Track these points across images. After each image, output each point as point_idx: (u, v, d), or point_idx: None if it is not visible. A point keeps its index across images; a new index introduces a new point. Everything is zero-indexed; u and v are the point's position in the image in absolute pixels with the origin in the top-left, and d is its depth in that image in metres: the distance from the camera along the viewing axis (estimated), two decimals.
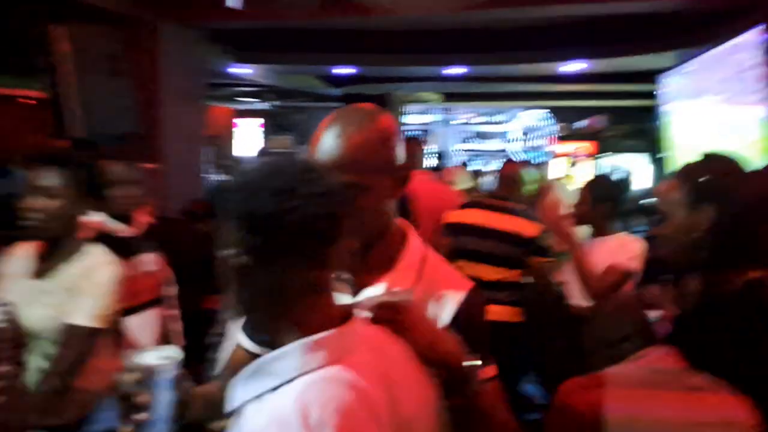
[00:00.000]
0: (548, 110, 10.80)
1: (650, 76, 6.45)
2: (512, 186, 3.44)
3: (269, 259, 0.90)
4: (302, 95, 9.19)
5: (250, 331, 1.29)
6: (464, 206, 3.51)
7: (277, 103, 10.30)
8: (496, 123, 11.45)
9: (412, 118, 11.24)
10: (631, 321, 1.70)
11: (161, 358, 1.08)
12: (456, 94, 9.16)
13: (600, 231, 2.92)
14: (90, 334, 1.82)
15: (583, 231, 3.15)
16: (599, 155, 9.57)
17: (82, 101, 3.98)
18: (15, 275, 1.95)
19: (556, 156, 10.07)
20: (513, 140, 11.29)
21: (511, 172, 3.50)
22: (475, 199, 3.75)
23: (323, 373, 0.88)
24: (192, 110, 5.07)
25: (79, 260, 1.90)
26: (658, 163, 7.76)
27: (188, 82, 5.00)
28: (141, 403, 1.04)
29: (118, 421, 1.05)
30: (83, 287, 1.86)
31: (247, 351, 1.35)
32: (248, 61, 6.52)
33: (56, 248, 1.93)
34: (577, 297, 2.88)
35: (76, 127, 4.01)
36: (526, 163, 3.80)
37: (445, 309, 1.20)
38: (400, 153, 1.22)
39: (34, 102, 9.70)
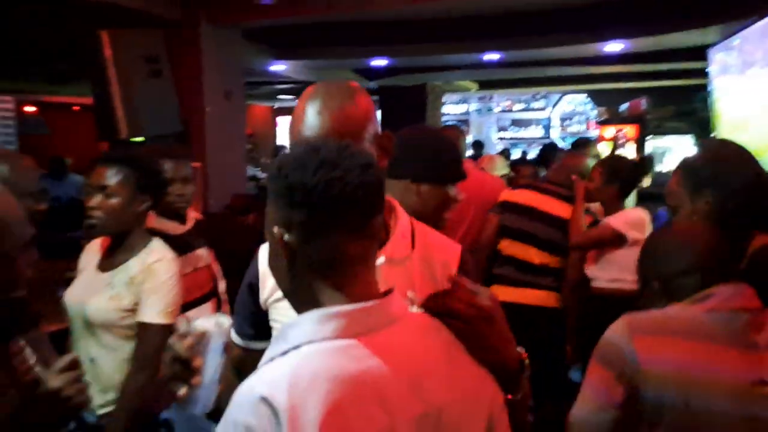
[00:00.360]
0: (587, 94, 10.60)
1: (694, 53, 6.25)
2: (570, 175, 3.36)
3: (315, 232, 0.91)
4: None
5: (237, 326, 1.37)
6: (519, 187, 3.51)
7: None
8: (534, 109, 11.31)
9: (450, 108, 11.19)
10: (694, 251, 1.39)
11: (213, 324, 1.11)
12: (493, 82, 9.07)
13: (609, 209, 2.99)
14: (163, 330, 1.89)
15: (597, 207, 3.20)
16: (642, 138, 9.35)
17: (127, 104, 4.08)
18: (86, 269, 2.07)
19: (597, 141, 9.89)
20: (552, 126, 11.14)
21: (574, 164, 3.43)
22: (531, 182, 3.75)
23: (331, 343, 0.88)
24: (233, 109, 5.15)
25: (142, 255, 1.99)
26: None
27: (228, 81, 5.09)
28: (194, 367, 1.08)
29: (171, 384, 1.09)
30: (146, 283, 1.95)
31: (237, 345, 1.42)
32: (285, 58, 6.58)
33: (121, 243, 2.02)
34: (601, 279, 2.96)
35: (123, 129, 4.11)
36: (584, 147, 3.72)
37: (443, 271, 1.24)
38: (378, 125, 1.27)
39: (83, 108, 10.02)
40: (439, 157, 1.67)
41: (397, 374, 0.89)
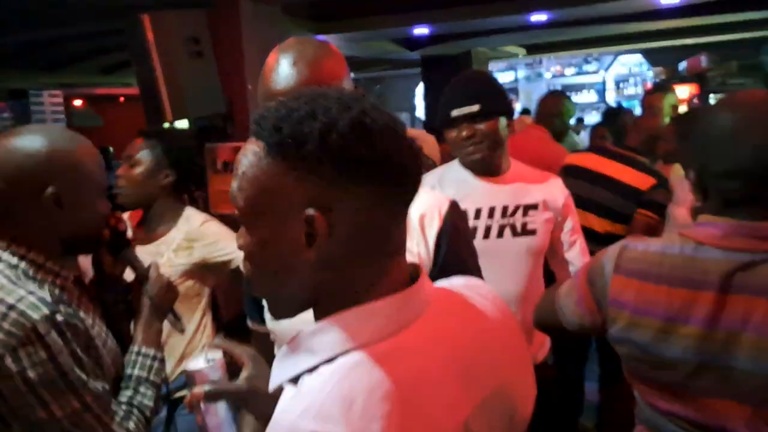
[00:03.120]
0: (642, 54, 10.14)
1: (757, 1, 5.86)
2: (649, 141, 3.18)
3: (368, 209, 0.75)
4: (382, 62, 9.10)
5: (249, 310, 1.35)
6: (586, 150, 3.44)
7: (360, 74, 10.29)
8: (587, 73, 10.90)
9: (497, 76, 10.91)
10: (745, 151, 1.13)
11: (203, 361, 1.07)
12: (541, 45, 8.75)
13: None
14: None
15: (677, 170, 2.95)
16: (705, 97, 8.89)
17: (171, 87, 4.08)
18: None
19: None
20: (606, 90, 10.73)
21: (650, 126, 3.26)
22: (600, 146, 3.62)
23: (373, 349, 0.73)
24: None
25: (181, 224, 2.09)
26: None
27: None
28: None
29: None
30: (203, 240, 2.07)
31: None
32: (324, 32, 6.49)
33: (149, 216, 2.10)
34: None
35: (169, 112, 4.12)
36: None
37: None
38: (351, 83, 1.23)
39: (128, 98, 10.23)
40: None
41: (448, 366, 0.78)
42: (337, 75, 1.18)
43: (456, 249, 1.23)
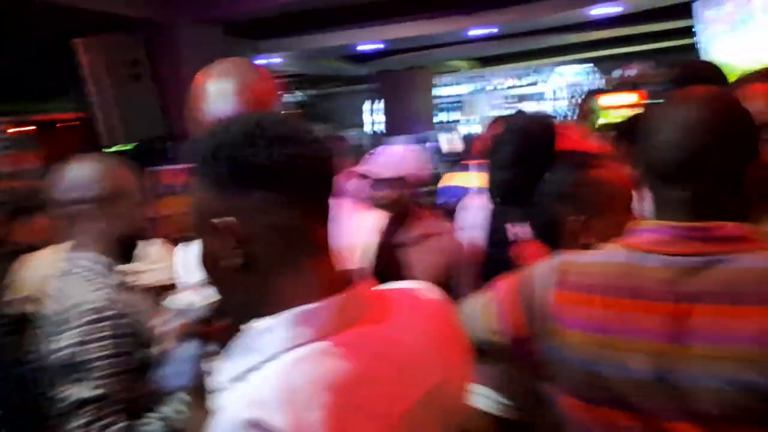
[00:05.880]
0: (589, 63, 10.38)
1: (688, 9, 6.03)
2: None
3: (275, 218, 0.80)
4: (331, 80, 9.08)
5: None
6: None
7: (310, 92, 10.24)
8: (534, 84, 11.07)
9: (446, 90, 11.00)
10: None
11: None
12: (488, 58, 8.87)
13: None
14: None
15: None
16: (650, 103, 9.10)
17: (106, 112, 3.97)
18: None
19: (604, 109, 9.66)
20: (555, 99, 10.91)
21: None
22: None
23: (312, 348, 0.77)
24: None
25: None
26: None
27: None
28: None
29: None
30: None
31: None
32: (268, 51, 6.42)
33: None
34: None
35: (108, 137, 4.00)
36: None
37: (358, 251, 1.27)
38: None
39: (71, 122, 9.96)
40: None
41: (387, 364, 0.82)
42: (267, 95, 1.19)
43: (382, 266, 1.21)
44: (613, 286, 1.09)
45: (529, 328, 1.17)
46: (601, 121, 3.33)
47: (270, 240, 0.80)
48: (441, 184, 3.97)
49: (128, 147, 4.27)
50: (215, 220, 0.80)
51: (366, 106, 9.33)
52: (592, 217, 1.40)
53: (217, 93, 1.16)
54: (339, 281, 0.84)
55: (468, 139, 6.96)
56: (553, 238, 1.47)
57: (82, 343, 1.44)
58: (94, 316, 1.46)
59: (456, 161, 4.13)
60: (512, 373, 1.31)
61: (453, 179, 3.86)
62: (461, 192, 3.48)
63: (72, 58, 3.98)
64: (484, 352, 1.21)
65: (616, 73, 9.25)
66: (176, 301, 1.07)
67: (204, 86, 1.18)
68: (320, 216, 0.84)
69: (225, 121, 0.84)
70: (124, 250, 1.71)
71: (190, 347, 1.07)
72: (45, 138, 10.24)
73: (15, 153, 3.36)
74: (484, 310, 1.24)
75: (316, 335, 0.79)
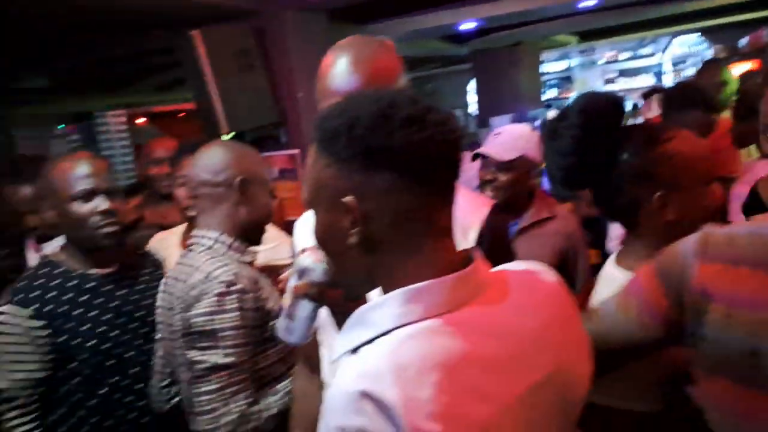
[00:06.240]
0: (701, 33, 9.71)
1: None
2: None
3: (401, 199, 0.80)
4: (432, 60, 9.04)
5: None
6: None
7: (410, 74, 10.24)
8: (642, 57, 10.51)
9: (550, 66, 10.67)
10: None
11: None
12: (594, 32, 8.50)
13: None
14: None
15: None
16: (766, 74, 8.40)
17: (225, 100, 4.16)
18: None
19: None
20: (664, 73, 10.31)
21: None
22: None
23: (424, 325, 0.78)
24: None
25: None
26: None
27: (317, 65, 5.08)
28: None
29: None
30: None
31: None
32: (372, 35, 6.48)
33: None
34: None
35: (224, 125, 4.20)
36: None
37: (472, 227, 1.20)
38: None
39: (188, 114, 10.54)
40: None
41: (502, 347, 0.80)
42: (391, 71, 1.19)
43: (494, 253, 1.21)
44: (762, 258, 1.02)
45: (673, 310, 1.11)
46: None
47: (392, 221, 0.81)
48: None
49: (243, 134, 4.46)
50: (343, 199, 0.81)
51: (469, 86, 9.22)
52: (671, 192, 1.35)
53: (343, 67, 1.17)
54: (458, 263, 0.85)
55: None
56: (631, 219, 1.42)
57: (212, 313, 1.56)
58: (224, 289, 1.57)
59: None
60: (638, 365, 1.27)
61: None
62: None
63: (186, 49, 4.18)
64: (613, 359, 1.17)
65: (742, 42, 8.58)
66: (301, 260, 1.09)
67: (330, 61, 1.20)
68: (445, 199, 0.85)
69: (355, 98, 0.85)
70: (251, 234, 1.80)
71: (306, 307, 1.10)
72: (165, 127, 10.93)
73: (149, 141, 3.60)
74: (622, 306, 1.19)
75: (429, 313, 0.79)
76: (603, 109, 1.43)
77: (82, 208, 1.92)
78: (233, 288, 1.59)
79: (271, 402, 1.67)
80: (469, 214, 1.23)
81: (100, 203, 1.93)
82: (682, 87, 2.83)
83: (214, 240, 1.72)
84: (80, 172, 1.93)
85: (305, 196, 0.88)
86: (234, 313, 1.57)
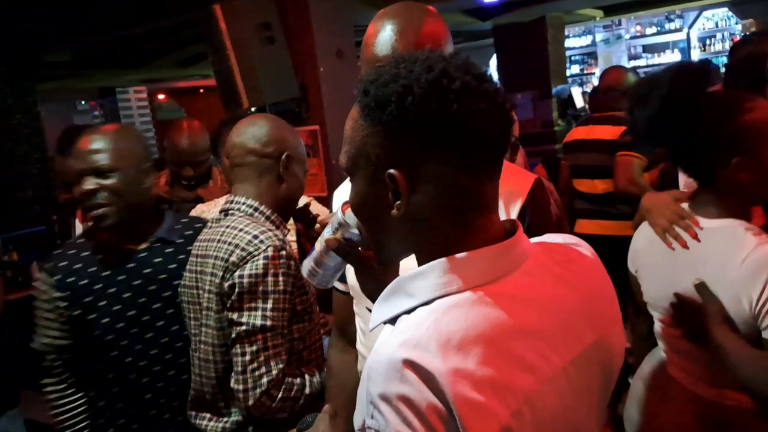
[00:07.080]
0: (729, 7, 9.47)
1: None
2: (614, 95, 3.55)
3: (450, 173, 0.78)
4: (455, 35, 8.93)
5: None
6: (578, 124, 3.96)
7: None
8: (669, 32, 10.29)
9: (574, 41, 10.49)
10: None
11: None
12: (619, 5, 8.32)
13: None
14: None
15: None
16: None
17: (246, 74, 4.15)
18: None
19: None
20: (692, 48, 10.09)
21: (613, 81, 3.63)
22: (589, 115, 3.99)
23: (464, 296, 0.76)
24: (346, 68, 5.11)
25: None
26: None
27: (339, 41, 5.04)
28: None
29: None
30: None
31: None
32: None
33: None
34: None
35: (245, 99, 4.19)
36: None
37: (515, 202, 1.19)
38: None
39: (207, 90, 10.56)
40: None
41: (545, 318, 0.79)
42: (438, 37, 1.16)
43: (537, 227, 1.20)
44: None
45: None
46: None
47: (438, 195, 0.78)
48: (570, 138, 3.87)
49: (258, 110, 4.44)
50: (388, 171, 0.77)
51: (492, 61, 9.10)
52: (747, 159, 1.45)
53: (389, 34, 1.14)
54: (500, 235, 0.84)
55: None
56: (708, 177, 1.54)
57: (260, 275, 1.57)
58: (273, 252, 1.59)
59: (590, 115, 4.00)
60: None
61: (586, 133, 3.75)
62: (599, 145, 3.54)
63: (208, 23, 4.16)
64: None
65: None
66: (340, 215, 1.05)
67: (375, 28, 1.16)
68: (492, 173, 0.82)
69: (404, 63, 0.79)
70: (284, 211, 1.80)
71: (335, 259, 1.07)
72: (185, 103, 10.99)
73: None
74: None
75: (470, 283, 0.78)
76: (692, 77, 1.61)
77: None
78: (282, 252, 1.61)
79: (315, 382, 1.69)
80: (513, 187, 1.21)
81: None
82: (746, 59, 2.84)
83: (253, 209, 1.72)
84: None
85: (342, 162, 0.85)
86: (280, 277, 1.60)
